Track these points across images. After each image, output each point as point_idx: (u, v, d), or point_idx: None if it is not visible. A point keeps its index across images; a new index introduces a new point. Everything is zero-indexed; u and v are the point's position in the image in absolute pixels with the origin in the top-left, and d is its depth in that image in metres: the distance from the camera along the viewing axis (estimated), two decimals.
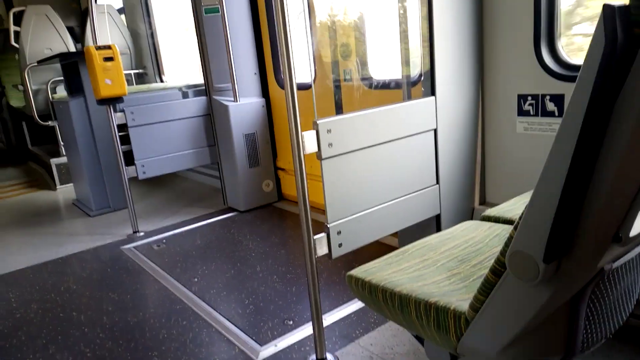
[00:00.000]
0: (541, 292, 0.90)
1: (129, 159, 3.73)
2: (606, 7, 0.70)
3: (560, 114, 2.09)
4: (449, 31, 2.16)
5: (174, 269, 2.95)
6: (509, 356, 1.05)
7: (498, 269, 0.97)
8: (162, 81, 5.84)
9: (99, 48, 3.32)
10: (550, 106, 2.11)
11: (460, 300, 1.17)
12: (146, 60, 5.92)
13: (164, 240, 3.47)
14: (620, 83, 0.74)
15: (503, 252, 0.94)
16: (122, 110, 3.64)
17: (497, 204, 2.21)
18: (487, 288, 1.01)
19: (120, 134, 3.55)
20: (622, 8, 0.70)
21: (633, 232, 0.87)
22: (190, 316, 2.38)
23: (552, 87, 2.09)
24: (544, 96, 2.13)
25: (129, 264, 3.12)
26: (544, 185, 0.82)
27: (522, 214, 0.87)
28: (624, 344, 1.84)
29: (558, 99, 2.08)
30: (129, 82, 5.79)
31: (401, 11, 2.37)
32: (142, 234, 3.66)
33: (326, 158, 1.84)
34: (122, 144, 3.57)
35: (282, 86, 3.88)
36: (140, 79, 6.07)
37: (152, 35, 5.77)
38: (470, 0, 2.21)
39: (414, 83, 2.55)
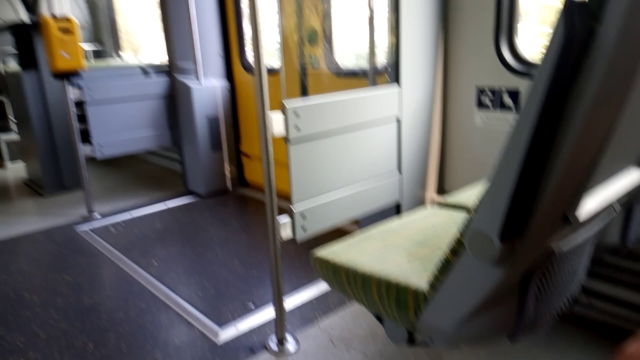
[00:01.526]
0: (496, 270, 0.96)
1: (86, 137, 3.60)
2: (566, 2, 0.75)
3: (516, 109, 2.19)
4: (415, 23, 2.21)
5: (132, 251, 2.90)
6: (463, 332, 1.11)
7: (457, 249, 1.02)
8: (119, 57, 5.64)
9: (56, 19, 3.17)
10: (507, 100, 2.20)
11: (420, 279, 1.22)
12: (104, 35, 5.69)
13: (122, 223, 3.39)
14: (575, 75, 0.79)
15: (462, 232, 0.99)
16: (80, 86, 3.50)
17: (454, 193, 2.30)
18: (445, 267, 1.06)
19: (77, 112, 3.42)
20: (581, 3, 0.75)
21: (582, 216, 0.94)
22: (149, 299, 2.35)
23: (509, 82, 2.18)
24: (501, 90, 2.22)
25: (84, 246, 3.03)
26: (503, 167, 0.87)
27: (480, 196, 0.92)
28: (566, 329, 1.97)
29: (514, 95, 2.17)
30: (86, 58, 5.56)
31: (370, 1, 2.40)
32: (98, 216, 3.56)
33: (293, 141, 1.85)
34: (79, 122, 3.44)
35: (247, 69, 3.84)
36: (98, 54, 5.84)
37: (110, 9, 5.55)
38: None
39: (379, 72, 2.59)
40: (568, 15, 0.74)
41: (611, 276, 1.92)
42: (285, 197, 1.92)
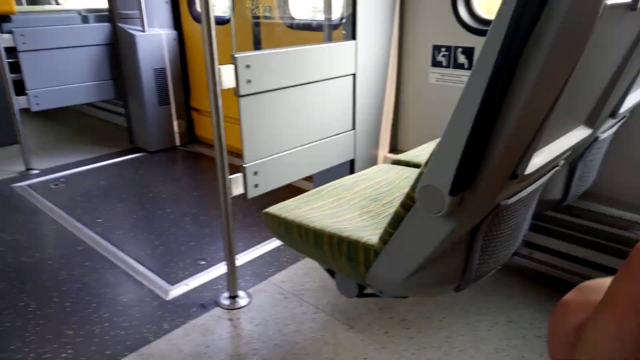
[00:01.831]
0: (445, 224, 0.97)
1: (21, 88, 3.33)
2: None
3: (470, 67, 2.20)
4: None
5: (75, 209, 2.76)
6: (412, 284, 1.14)
7: (408, 203, 1.02)
8: (57, 3, 5.19)
9: None
10: (462, 58, 2.21)
11: (371, 234, 1.23)
12: None
13: (63, 179, 3.22)
14: (528, 35, 0.78)
15: (413, 187, 0.99)
16: (11, 32, 3.20)
17: (406, 151, 2.32)
18: (396, 221, 1.06)
19: (9, 60, 3.14)
20: None
21: (528, 171, 0.96)
22: (94, 257, 2.27)
23: (464, 40, 2.18)
24: (456, 48, 2.22)
25: (22, 203, 2.86)
26: (455, 124, 0.86)
27: (432, 152, 0.91)
28: (507, 279, 2.08)
29: (469, 52, 2.18)
30: (18, 2, 5.07)
31: None
32: (36, 171, 3.35)
33: (244, 95, 1.78)
34: (12, 72, 3.17)
35: (196, 19, 3.64)
36: (33, 1, 5.34)
37: None
38: None
39: (335, 26, 2.52)
40: None
41: (550, 229, 2.02)
42: (237, 155, 1.87)
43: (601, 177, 1.87)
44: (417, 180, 0.98)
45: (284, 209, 1.43)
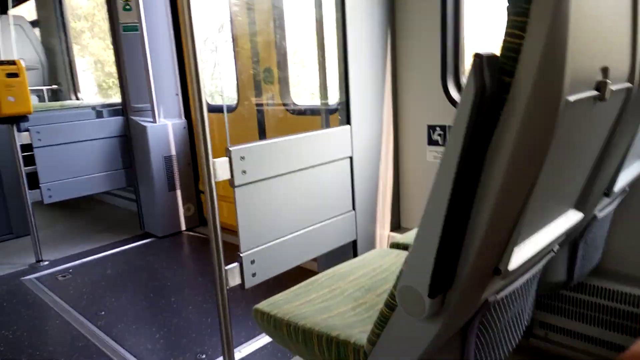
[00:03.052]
0: (430, 325, 0.92)
1: (36, 181, 3.45)
2: (476, 56, 0.74)
3: None
4: (364, 64, 2.23)
5: (79, 301, 2.74)
6: None
7: (391, 303, 0.98)
8: (77, 99, 5.52)
9: (1, 63, 3.08)
10: None
11: (362, 332, 1.17)
12: (61, 76, 5.58)
13: (70, 270, 3.23)
14: (492, 127, 0.78)
15: (395, 286, 0.95)
16: (28, 130, 3.38)
17: (411, 229, 2.28)
18: (382, 322, 1.01)
19: (26, 154, 3.29)
20: (492, 57, 0.75)
21: (512, 266, 0.92)
22: (93, 353, 2.21)
23: None
24: (450, 127, 2.24)
25: (29, 297, 2.86)
26: (427, 221, 0.84)
27: (409, 249, 0.89)
28: None
29: None
30: (41, 99, 5.42)
31: (319, 42, 2.42)
32: (46, 263, 3.38)
33: (239, 185, 1.80)
34: (28, 165, 3.31)
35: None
36: (55, 96, 5.70)
37: (68, 50, 5.46)
38: (384, 36, 2.31)
39: (332, 111, 2.59)
40: (478, 71, 0.73)
41: (565, 308, 1.92)
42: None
43: (611, 253, 1.80)
44: (397, 278, 0.94)
45: (274, 304, 1.39)
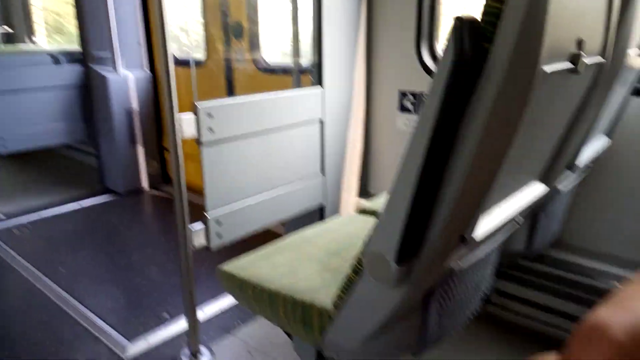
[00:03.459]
0: (395, 291, 0.93)
1: None
2: (457, 20, 0.72)
3: None
4: (338, 25, 2.16)
5: (37, 257, 2.66)
6: (368, 350, 1.08)
7: (358, 268, 0.99)
8: (32, 42, 5.18)
9: None
10: None
11: (327, 295, 1.18)
12: (14, 18, 5.19)
13: (28, 225, 3.11)
14: (469, 92, 0.77)
15: (362, 252, 0.95)
16: None
17: (378, 195, 2.29)
18: (347, 286, 1.02)
19: None
20: (472, 21, 0.73)
21: (478, 235, 0.93)
22: (53, 311, 2.16)
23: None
24: (422, 94, 2.24)
25: None
26: (398, 188, 0.84)
27: (378, 216, 0.88)
28: (480, 329, 2.03)
29: None
30: None
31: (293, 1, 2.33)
32: (1, 216, 3.24)
33: (206, 143, 1.75)
34: None
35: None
36: (8, 39, 5.32)
37: None
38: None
39: (303, 71, 2.53)
40: (458, 34, 0.71)
41: (523, 278, 1.99)
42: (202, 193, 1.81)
43: (570, 227, 1.87)
44: (365, 243, 0.94)
45: (240, 266, 1.38)
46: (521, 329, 1.99)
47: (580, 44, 0.93)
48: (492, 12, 0.71)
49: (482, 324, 2.04)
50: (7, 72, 3.31)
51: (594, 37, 1.04)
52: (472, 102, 0.77)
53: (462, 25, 0.71)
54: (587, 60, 0.95)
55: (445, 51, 0.73)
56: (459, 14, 0.72)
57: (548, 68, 0.81)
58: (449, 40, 0.72)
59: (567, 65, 0.89)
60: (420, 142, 0.78)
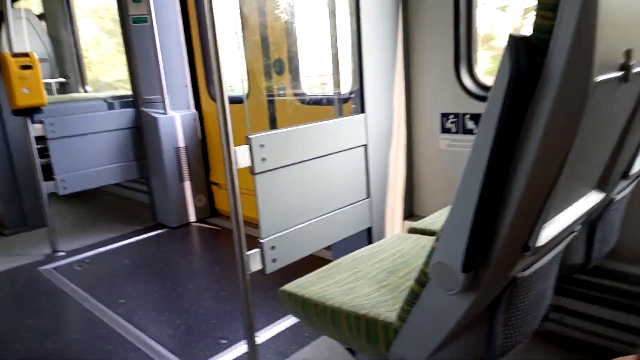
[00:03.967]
0: (461, 300, 0.96)
1: (50, 172, 3.49)
2: (511, 38, 0.77)
3: None
4: (377, 53, 2.25)
5: (98, 290, 2.79)
6: None
7: (422, 280, 1.02)
8: (85, 91, 5.55)
9: (15, 55, 3.11)
10: (470, 124, 2.25)
11: (389, 311, 1.21)
12: (69, 69, 5.60)
13: (87, 260, 3.28)
14: (525, 106, 0.81)
15: (426, 263, 0.99)
16: (42, 122, 3.42)
17: (424, 217, 2.31)
18: (412, 298, 1.05)
19: (40, 146, 3.33)
20: (524, 38, 0.78)
21: (540, 243, 0.96)
22: (116, 340, 2.26)
23: (471, 107, 2.24)
24: (464, 115, 2.27)
25: (48, 286, 2.91)
26: (461, 200, 0.88)
27: (442, 227, 0.92)
28: (540, 346, 1.98)
29: (477, 118, 2.23)
30: (50, 92, 5.45)
31: (332, 30, 2.44)
32: (62, 253, 3.43)
33: (259, 173, 1.84)
34: (42, 157, 3.35)
35: (214, 98, 3.83)
36: (62, 88, 5.73)
37: (75, 43, 5.48)
38: (396, 25, 2.33)
39: (345, 100, 2.62)
40: (513, 51, 0.76)
41: (579, 292, 1.95)
42: (255, 225, 1.89)
43: (624, 236, 1.83)
44: (429, 255, 0.98)
45: (300, 286, 1.42)
46: (581, 344, 1.93)
47: (629, 53, 0.96)
48: (544, 28, 0.76)
49: (541, 340, 2.00)
50: (67, 117, 3.56)
51: None
52: (529, 114, 0.81)
53: (516, 42, 0.76)
54: (636, 69, 0.98)
55: (501, 68, 0.78)
56: (512, 32, 0.78)
57: (599, 78, 0.85)
58: (504, 56, 0.77)
59: (617, 74, 0.92)
60: (481, 153, 0.82)
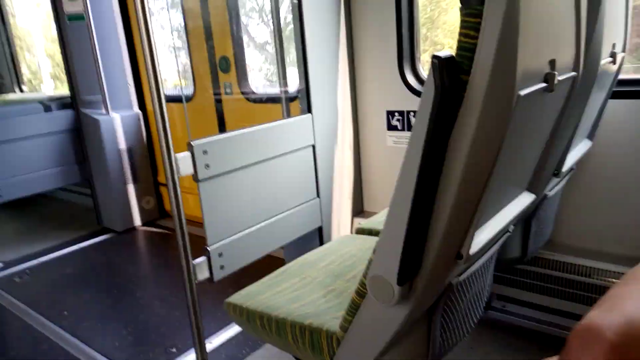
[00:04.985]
0: (398, 310, 0.97)
1: None
2: (434, 58, 0.78)
3: None
4: (322, 53, 2.24)
5: (40, 303, 2.66)
6: None
7: (361, 290, 1.03)
8: (21, 91, 5.24)
9: None
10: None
11: (334, 318, 1.21)
12: (2, 68, 5.26)
13: (27, 271, 3.11)
14: (452, 121, 0.83)
15: (365, 275, 0.99)
16: None
17: (374, 213, 2.34)
18: (353, 309, 1.06)
19: None
20: (449, 58, 0.79)
21: (473, 250, 0.98)
22: (59, 356, 2.16)
23: (415, 104, 2.26)
24: (409, 112, 2.31)
25: None
26: (394, 214, 0.89)
27: (377, 240, 0.93)
28: (484, 335, 2.06)
29: None
30: None
31: (276, 30, 2.41)
32: (0, 264, 3.24)
33: (203, 180, 1.79)
34: None
35: None
36: None
37: (8, 41, 5.15)
38: (339, 24, 2.32)
39: (292, 98, 2.60)
40: (437, 71, 0.77)
41: (519, 281, 2.04)
42: (202, 225, 1.84)
43: (559, 228, 1.92)
44: (367, 267, 0.98)
45: (246, 296, 1.41)
46: (523, 330, 2.03)
47: (552, 63, 1.00)
48: (467, 47, 0.77)
49: (484, 328, 2.08)
50: (1, 122, 3.35)
51: (564, 54, 1.11)
52: (456, 128, 0.82)
53: (440, 62, 0.77)
54: (560, 77, 1.02)
55: (426, 87, 0.79)
56: (436, 53, 0.78)
57: (523, 92, 0.87)
58: (429, 77, 0.78)
59: (541, 85, 0.96)
60: (411, 169, 0.83)
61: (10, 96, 4.68)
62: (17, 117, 3.46)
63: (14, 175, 3.43)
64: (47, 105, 3.72)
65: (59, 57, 4.06)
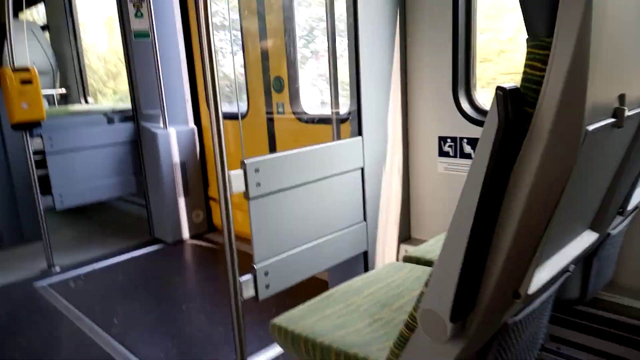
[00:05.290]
0: (450, 347, 0.93)
1: (48, 186, 3.49)
2: (499, 89, 0.76)
3: None
4: (375, 75, 2.25)
5: (92, 309, 2.77)
6: None
7: (411, 324, 1.00)
8: (86, 102, 5.57)
9: (15, 70, 3.12)
10: (468, 148, 2.24)
11: (380, 349, 1.19)
12: (71, 80, 5.62)
13: (82, 276, 3.26)
14: (514, 154, 0.80)
15: (415, 308, 0.97)
16: (40, 135, 3.42)
17: (422, 240, 2.29)
18: (401, 342, 1.03)
19: (37, 158, 3.33)
20: (514, 90, 0.77)
21: (532, 290, 0.94)
22: None
23: (468, 131, 2.23)
24: (461, 139, 2.26)
25: (42, 304, 2.89)
26: (450, 246, 0.86)
27: (431, 273, 0.90)
28: None
29: (474, 142, 2.22)
30: (51, 102, 5.47)
31: (331, 52, 2.44)
32: (58, 269, 3.41)
33: (254, 198, 1.82)
34: (41, 170, 3.35)
35: None
36: (64, 99, 5.75)
37: (78, 55, 5.51)
38: (395, 47, 2.33)
39: (343, 120, 2.61)
40: (502, 103, 0.75)
41: (576, 323, 1.92)
42: (249, 241, 1.86)
43: (622, 269, 1.80)
44: (418, 300, 0.96)
45: (290, 319, 1.40)
46: None
47: (622, 97, 0.95)
48: (533, 79, 0.75)
49: None
50: (64, 133, 3.57)
51: (635, 89, 1.05)
52: (519, 162, 0.80)
53: (505, 94, 0.75)
54: (629, 112, 0.97)
55: (489, 118, 0.77)
56: (501, 84, 0.76)
57: (591, 127, 0.83)
58: (492, 108, 0.76)
59: (610, 120, 0.91)
60: (469, 201, 0.80)
61: (76, 107, 4.97)
62: (82, 128, 3.68)
63: (76, 183, 3.63)
64: (110, 117, 3.94)
65: (113, 70, 4.28)
